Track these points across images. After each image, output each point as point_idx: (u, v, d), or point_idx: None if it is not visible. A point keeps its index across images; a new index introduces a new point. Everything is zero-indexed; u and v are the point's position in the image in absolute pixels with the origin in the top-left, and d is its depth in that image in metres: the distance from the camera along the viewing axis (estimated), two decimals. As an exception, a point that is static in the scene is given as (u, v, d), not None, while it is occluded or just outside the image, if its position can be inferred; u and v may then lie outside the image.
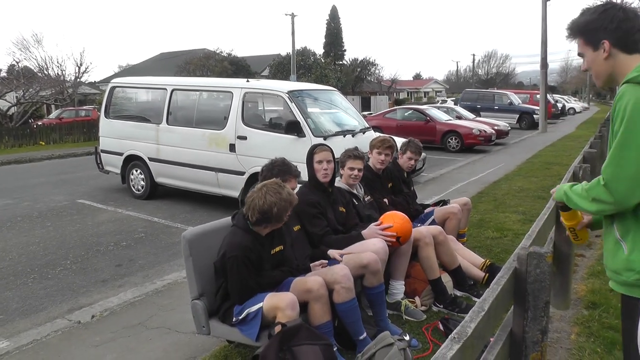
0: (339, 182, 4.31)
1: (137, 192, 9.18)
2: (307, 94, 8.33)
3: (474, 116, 20.14)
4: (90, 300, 4.78)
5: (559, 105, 34.25)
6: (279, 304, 2.77)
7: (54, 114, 24.27)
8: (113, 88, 9.60)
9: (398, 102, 51.35)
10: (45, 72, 22.26)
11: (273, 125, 7.84)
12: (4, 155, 15.90)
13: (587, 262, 5.11)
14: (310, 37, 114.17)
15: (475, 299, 3.95)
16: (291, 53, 38.47)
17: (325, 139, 7.43)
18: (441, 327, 3.56)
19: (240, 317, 2.91)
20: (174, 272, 5.29)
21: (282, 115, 7.88)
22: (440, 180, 10.76)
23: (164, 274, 5.31)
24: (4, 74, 21.78)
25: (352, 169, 4.27)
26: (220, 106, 8.36)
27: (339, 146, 7.07)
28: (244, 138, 7.82)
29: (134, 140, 9.01)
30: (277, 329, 2.58)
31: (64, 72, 23.39)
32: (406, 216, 3.84)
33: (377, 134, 6.20)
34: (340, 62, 50.98)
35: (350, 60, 51.42)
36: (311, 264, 3.34)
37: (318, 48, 58.03)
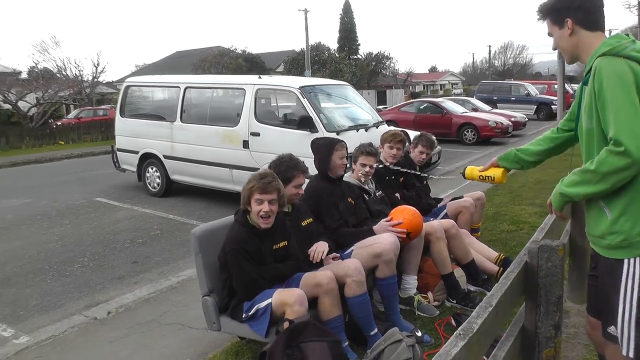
0: (348, 177, 4.29)
1: (152, 189, 9.26)
2: (319, 89, 8.32)
3: (490, 108, 19.91)
4: (106, 296, 4.84)
5: (578, 95, 33.62)
6: (287, 299, 2.77)
7: (73, 113, 24.58)
8: (128, 87, 9.68)
9: (414, 95, 51.03)
10: (64, 73, 22.57)
11: (286, 121, 7.84)
12: (25, 155, 16.16)
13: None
14: (324, 33, 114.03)
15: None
16: (305, 49, 38.42)
17: (338, 133, 7.42)
18: (454, 323, 3.53)
19: (250, 314, 2.92)
20: (189, 268, 5.33)
21: (294, 111, 7.88)
22: (456, 173, 10.66)
23: (178, 271, 5.36)
24: (24, 75, 22.10)
25: (364, 165, 4.26)
26: (233, 103, 8.39)
27: (352, 141, 7.07)
28: (257, 134, 7.83)
29: (149, 138, 9.08)
30: (285, 325, 2.58)
31: (81, 73, 23.71)
32: (417, 211, 3.81)
33: (392, 128, 6.14)
34: (355, 57, 50.70)
35: (365, 54, 51.14)
36: (324, 258, 3.34)
37: (332, 43, 57.88)
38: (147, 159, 9.24)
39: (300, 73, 37.44)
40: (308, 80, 8.53)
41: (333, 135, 7.34)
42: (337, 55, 45.79)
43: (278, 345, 2.45)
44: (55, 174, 12.80)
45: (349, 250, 3.56)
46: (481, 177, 2.75)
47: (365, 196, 4.28)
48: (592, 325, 2.45)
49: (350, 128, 7.75)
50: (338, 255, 3.42)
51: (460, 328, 1.80)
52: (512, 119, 17.06)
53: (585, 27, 2.01)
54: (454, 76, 73.54)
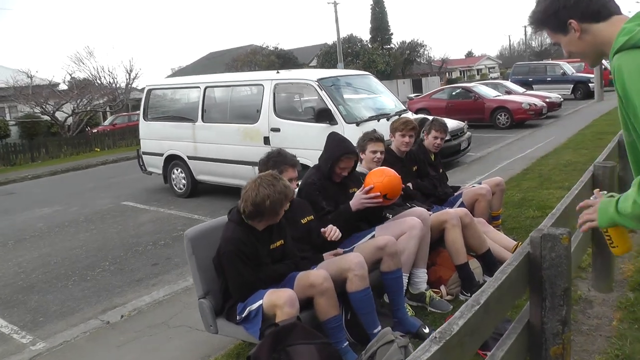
0: (360, 167, 4.14)
1: (179, 190, 9.31)
2: (338, 80, 8.16)
3: (524, 90, 19.21)
4: (123, 300, 4.85)
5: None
6: (277, 301, 2.65)
7: (108, 120, 25.17)
8: (150, 91, 9.76)
9: (450, 82, 49.94)
10: (98, 81, 23.11)
11: (305, 115, 7.73)
12: (63, 164, 16.62)
13: (638, 238, 4.68)
14: (356, 24, 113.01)
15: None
16: (336, 41, 38.18)
17: (358, 124, 7.26)
18: (468, 317, 3.32)
19: (243, 315, 2.83)
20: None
21: (313, 105, 7.75)
22: (486, 159, 10.32)
23: (196, 272, 5.32)
24: (63, 86, 22.82)
25: (374, 152, 4.12)
26: (253, 100, 8.33)
27: (380, 129, 7.02)
28: (278, 130, 7.76)
29: (173, 140, 9.13)
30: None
31: (115, 80, 24.23)
32: (388, 169, 3.66)
33: (403, 116, 5.90)
34: (388, 46, 50.08)
35: (398, 43, 50.46)
36: (324, 254, 3.20)
37: (364, 34, 57.40)
38: (172, 161, 9.30)
39: (333, 66, 37.25)
40: (326, 72, 8.37)
41: (353, 126, 7.20)
42: (369, 46, 45.34)
43: (263, 349, 2.33)
44: (88, 180, 13.09)
45: (351, 245, 3.41)
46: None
47: None
48: None
49: (371, 118, 7.57)
50: (341, 250, 3.28)
51: (437, 330, 1.63)
52: (547, 100, 16.39)
53: (595, 20, 1.61)
54: (491, 60, 71.67)
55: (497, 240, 4.04)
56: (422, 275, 3.60)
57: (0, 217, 9.32)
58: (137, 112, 28.39)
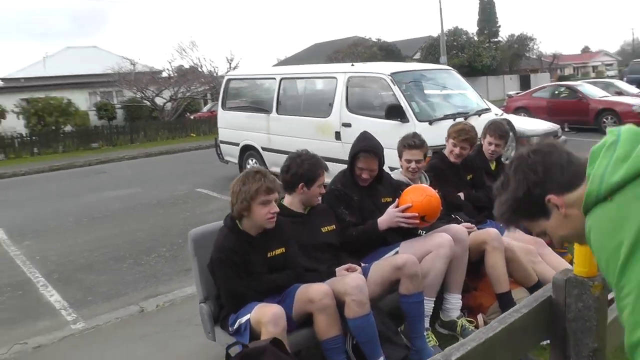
0: (398, 174, 3.78)
1: (252, 181, 9.35)
2: (415, 75, 7.73)
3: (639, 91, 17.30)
4: (167, 288, 4.87)
5: None
6: (262, 318, 2.46)
7: (206, 107, 26.19)
8: (229, 80, 9.87)
9: (561, 78, 46.60)
10: (200, 70, 24.06)
11: (377, 111, 7.38)
12: (157, 147, 17.49)
13: None
14: (463, 16, 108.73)
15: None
16: (440, 34, 36.93)
17: (431, 123, 6.80)
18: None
19: (234, 327, 2.65)
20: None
21: (386, 100, 7.38)
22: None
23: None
24: (165, 73, 24.05)
25: (408, 161, 3.72)
26: (326, 93, 8.13)
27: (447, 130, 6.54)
28: (349, 125, 7.50)
29: (248, 130, 9.16)
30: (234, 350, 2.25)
31: (216, 69, 25.11)
32: (428, 187, 3.30)
33: (462, 122, 5.33)
34: (495, 39, 47.64)
35: (506, 36, 47.81)
36: (337, 268, 2.92)
37: (471, 26, 55.03)
38: (247, 151, 9.34)
39: (437, 60, 36.12)
40: (402, 66, 7.97)
41: (425, 124, 6.74)
42: (475, 39, 43.41)
43: (230, 373, 2.12)
44: (177, 164, 13.64)
45: (374, 260, 3.09)
46: None
47: None
48: None
49: (446, 117, 7.03)
50: (355, 266, 2.97)
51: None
52: (666, 103, 14.61)
53: (575, 186, 1.25)
54: (609, 56, 65.80)
55: (554, 266, 3.49)
56: (454, 301, 3.19)
57: (86, 195, 9.92)
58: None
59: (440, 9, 36.57)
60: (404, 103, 6.86)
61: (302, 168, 3.08)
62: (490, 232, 3.34)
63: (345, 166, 3.56)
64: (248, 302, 2.64)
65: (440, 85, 8.00)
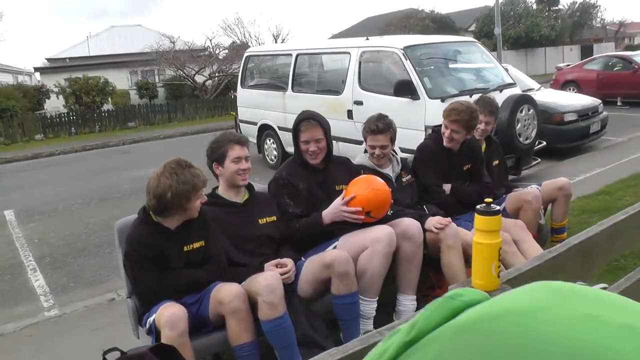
0: (364, 159, 3.43)
1: (270, 162, 9.15)
2: (432, 48, 7.22)
3: None
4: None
5: None
6: (160, 319, 2.27)
7: (250, 84, 25.90)
8: (248, 57, 9.61)
9: (629, 49, 43.48)
10: (248, 45, 23.80)
11: (388, 88, 6.95)
12: (195, 126, 17.53)
13: None
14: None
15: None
16: (495, 3, 35.15)
17: (443, 100, 6.30)
18: None
19: (147, 327, 2.46)
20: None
21: (398, 76, 6.93)
22: (625, 146, 8.52)
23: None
24: (209, 50, 24.06)
25: (372, 147, 3.38)
26: (339, 69, 7.78)
27: None
28: (360, 103, 7.16)
29: (265, 109, 8.92)
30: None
31: (262, 45, 24.80)
32: (377, 178, 2.97)
33: (461, 100, 4.85)
34: (555, 8, 44.95)
35: (567, 4, 45.01)
36: (266, 264, 2.66)
37: (530, -5, 51.97)
38: (265, 130, 9.13)
39: (492, 31, 34.49)
40: (418, 39, 7.46)
41: (437, 102, 6.30)
42: (533, 7, 41.12)
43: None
44: (203, 144, 13.56)
45: (312, 255, 2.80)
46: None
47: None
48: None
49: (461, 93, 6.51)
50: (287, 261, 2.69)
51: None
52: None
53: None
54: (685, 23, 60.78)
55: (530, 255, 3.05)
56: (407, 303, 2.85)
57: (103, 175, 9.89)
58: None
59: (495, -24, 34.90)
60: (415, 78, 6.44)
61: (210, 147, 2.86)
62: (447, 230, 2.98)
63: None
64: (162, 300, 2.44)
65: (462, 60, 7.45)
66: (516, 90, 7.01)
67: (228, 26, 25.82)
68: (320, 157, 3.11)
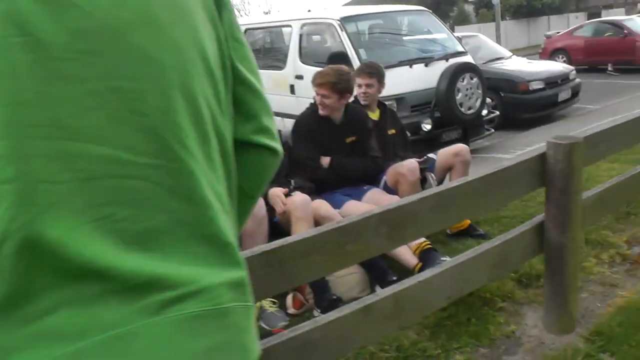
0: None
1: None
2: (374, 18, 6.93)
3: None
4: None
5: None
6: None
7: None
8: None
9: (640, 15, 42.01)
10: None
11: (327, 61, 6.69)
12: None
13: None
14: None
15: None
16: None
17: (380, 71, 6.03)
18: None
19: None
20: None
21: (334, 48, 6.66)
22: (597, 113, 8.13)
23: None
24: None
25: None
26: (282, 43, 7.55)
27: (401, 79, 5.86)
28: (301, 77, 6.90)
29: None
30: None
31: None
32: None
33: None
34: (561, -26, 43.56)
35: (575, -30, 43.58)
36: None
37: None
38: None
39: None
40: (357, 10, 7.17)
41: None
42: (536, -26, 39.90)
43: None
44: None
45: None
46: None
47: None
48: None
49: (401, 63, 6.19)
50: None
51: None
52: None
53: None
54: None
55: None
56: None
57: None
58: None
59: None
60: (349, 50, 6.15)
61: None
62: (294, 199, 2.77)
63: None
64: None
65: (409, 30, 7.15)
66: (466, 59, 6.68)
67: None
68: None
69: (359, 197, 3.31)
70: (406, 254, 2.88)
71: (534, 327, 2.48)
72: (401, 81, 5.94)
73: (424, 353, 2.29)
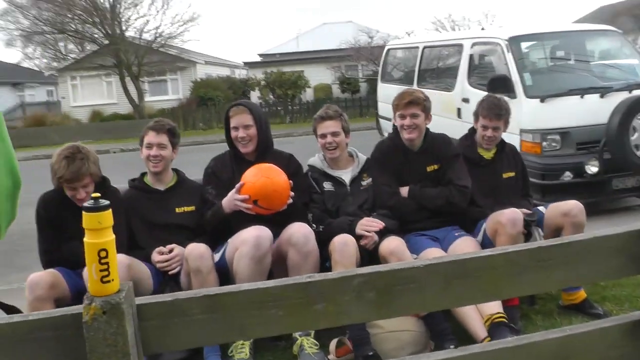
0: (316, 160, 3.27)
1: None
2: (548, 38, 6.33)
3: None
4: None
5: None
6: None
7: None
8: (388, 50, 9.58)
9: None
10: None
11: (487, 85, 6.33)
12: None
13: None
14: None
15: None
16: None
17: (543, 100, 5.50)
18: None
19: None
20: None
21: (501, 71, 6.25)
22: None
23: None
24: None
25: (322, 136, 3.12)
26: (453, 63, 7.32)
27: (568, 110, 5.35)
28: (467, 101, 6.66)
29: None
30: None
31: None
32: (276, 169, 2.79)
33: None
34: None
35: None
36: (156, 249, 2.82)
37: None
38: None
39: None
40: (533, 28, 6.56)
41: (535, 101, 5.53)
42: None
43: None
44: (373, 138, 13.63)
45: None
46: None
47: (330, 187, 3.16)
48: None
49: (570, 92, 5.53)
50: (170, 247, 2.87)
51: None
52: None
53: None
54: None
55: None
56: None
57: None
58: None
59: None
60: (513, 74, 5.72)
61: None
62: (334, 241, 2.74)
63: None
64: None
65: (589, 53, 6.35)
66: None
67: (438, 20, 25.45)
68: (251, 147, 3.02)
69: (447, 244, 3.06)
70: (475, 321, 2.63)
71: None
72: (568, 113, 5.36)
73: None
